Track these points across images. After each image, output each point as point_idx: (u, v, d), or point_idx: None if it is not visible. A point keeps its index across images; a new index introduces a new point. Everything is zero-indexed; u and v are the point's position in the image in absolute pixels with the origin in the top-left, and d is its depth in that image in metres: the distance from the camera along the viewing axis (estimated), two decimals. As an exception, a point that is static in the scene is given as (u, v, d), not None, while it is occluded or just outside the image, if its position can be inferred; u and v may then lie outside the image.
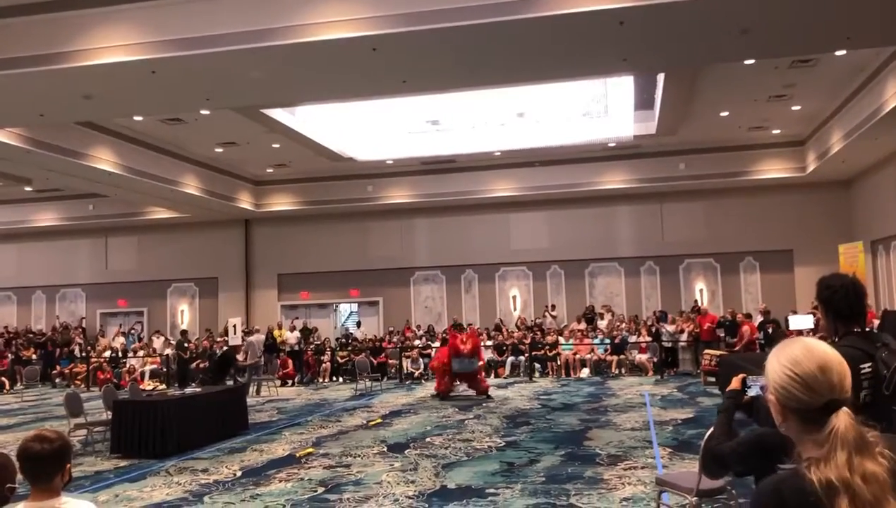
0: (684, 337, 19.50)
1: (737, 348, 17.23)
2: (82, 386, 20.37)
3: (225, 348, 17.41)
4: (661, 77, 15.19)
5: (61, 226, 25.19)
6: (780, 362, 1.70)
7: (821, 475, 1.50)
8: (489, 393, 15.13)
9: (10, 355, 22.96)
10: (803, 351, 1.68)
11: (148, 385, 19.54)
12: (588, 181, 21.76)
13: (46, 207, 24.58)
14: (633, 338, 20.17)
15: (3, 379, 21.17)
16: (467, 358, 15.13)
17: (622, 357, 19.66)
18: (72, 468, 2.78)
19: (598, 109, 18.67)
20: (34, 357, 22.81)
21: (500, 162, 21.67)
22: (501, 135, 19.72)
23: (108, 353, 22.47)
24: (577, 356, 19.82)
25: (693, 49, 11.20)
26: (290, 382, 19.94)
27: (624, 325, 21.02)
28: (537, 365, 19.76)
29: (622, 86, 17.02)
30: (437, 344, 21.32)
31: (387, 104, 17.34)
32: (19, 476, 2.79)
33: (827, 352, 1.68)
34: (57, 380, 21.90)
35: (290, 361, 20.55)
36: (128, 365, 21.43)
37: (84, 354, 22.73)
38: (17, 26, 11.03)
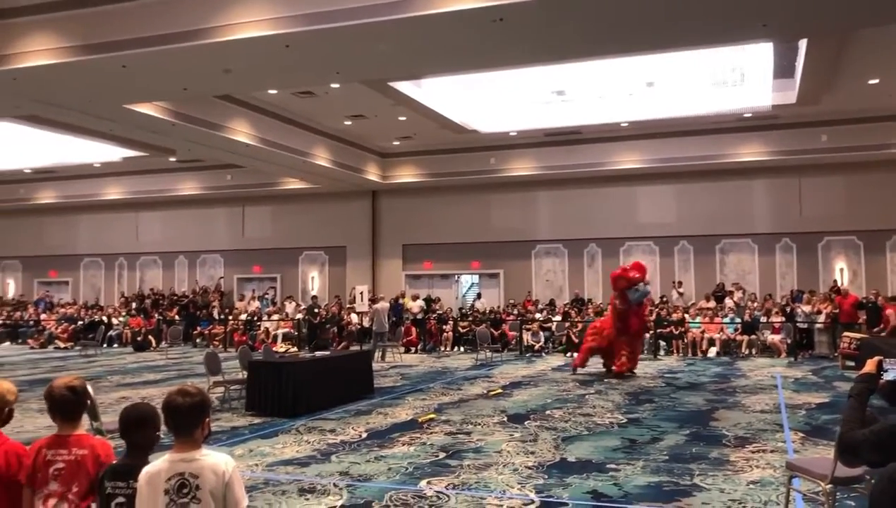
0: (821, 318, 18.49)
1: (883, 334, 16.14)
2: (220, 346, 21.63)
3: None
4: (803, 42, 14.29)
5: (202, 196, 26.67)
6: None
7: None
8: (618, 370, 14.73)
9: (156, 315, 24.66)
10: None
11: (280, 347, 20.44)
12: (721, 153, 20.88)
13: (189, 177, 26.06)
14: (765, 318, 19.32)
15: (151, 337, 22.80)
16: (643, 282, 14.59)
17: (753, 337, 18.88)
18: (211, 422, 2.97)
19: (734, 78, 17.80)
20: (177, 318, 24.37)
21: (628, 133, 21.13)
22: (629, 106, 19.17)
23: (243, 316, 23.73)
24: (705, 334, 19.20)
25: (840, 12, 10.47)
26: (413, 349, 20.41)
27: (756, 304, 20.16)
28: (662, 343, 19.29)
29: (760, 54, 16.13)
30: (559, 317, 21.20)
31: (511, 75, 17.17)
32: (164, 428, 3.02)
33: None
34: (197, 340, 23.34)
35: (413, 329, 21.02)
36: (262, 328, 22.54)
37: (222, 316, 24.10)
38: (162, 5, 11.68)
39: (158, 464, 2.83)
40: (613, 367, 14.52)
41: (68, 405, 3.16)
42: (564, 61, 15.20)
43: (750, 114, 19.35)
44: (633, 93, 18.56)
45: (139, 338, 22.62)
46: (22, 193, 28.46)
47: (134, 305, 26.27)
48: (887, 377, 2.73)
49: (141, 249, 28.92)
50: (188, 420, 2.84)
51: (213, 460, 2.84)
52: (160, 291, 27.59)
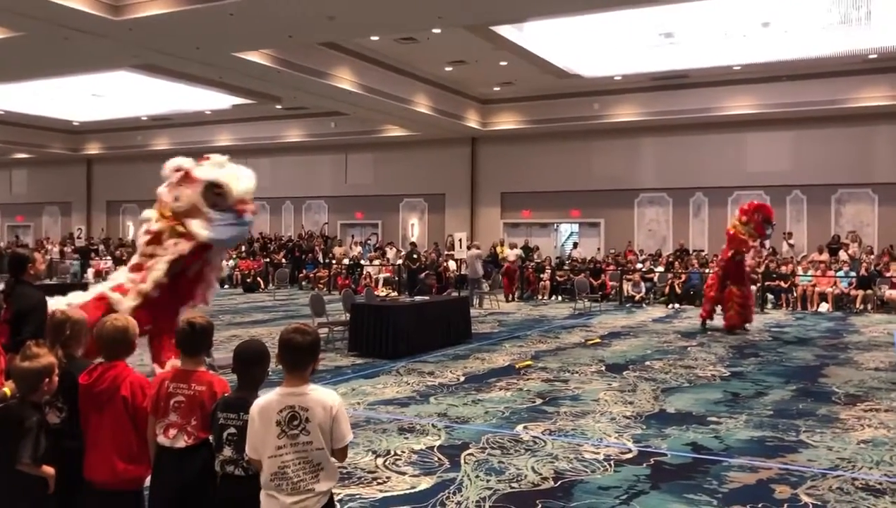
0: (947, 274, 17.39)
1: None
2: (324, 289, 22.29)
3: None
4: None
5: (306, 143, 27.30)
6: None
7: None
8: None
9: (264, 258, 25.59)
10: None
11: (382, 291, 20.91)
12: (842, 98, 19.69)
13: (294, 124, 26.69)
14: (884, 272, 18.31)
15: (259, 279, 23.73)
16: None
17: (869, 292, 17.97)
18: (319, 360, 3.11)
19: (859, 15, 16.60)
20: (284, 261, 25.22)
21: (740, 77, 20.19)
22: (742, 48, 18.22)
23: (346, 261, 24.35)
24: (816, 288, 18.40)
25: None
26: (510, 297, 20.46)
27: (873, 257, 19.12)
28: (770, 296, 18.63)
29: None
30: (661, 268, 20.72)
31: (617, 17, 16.56)
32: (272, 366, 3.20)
33: None
34: (303, 283, 24.14)
35: (515, 273, 20.98)
36: (364, 273, 23.08)
37: (327, 260, 24.80)
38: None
39: (269, 397, 2.97)
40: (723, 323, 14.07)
41: (186, 339, 3.32)
42: (674, 1, 14.53)
43: (876, 55, 18.09)
44: (747, 33, 17.62)
45: (248, 280, 23.57)
46: (140, 140, 29.92)
47: (243, 248, 27.29)
48: None
49: (249, 194, 29.85)
50: (304, 357, 2.98)
51: (322, 395, 2.96)
52: (268, 235, 28.56)
